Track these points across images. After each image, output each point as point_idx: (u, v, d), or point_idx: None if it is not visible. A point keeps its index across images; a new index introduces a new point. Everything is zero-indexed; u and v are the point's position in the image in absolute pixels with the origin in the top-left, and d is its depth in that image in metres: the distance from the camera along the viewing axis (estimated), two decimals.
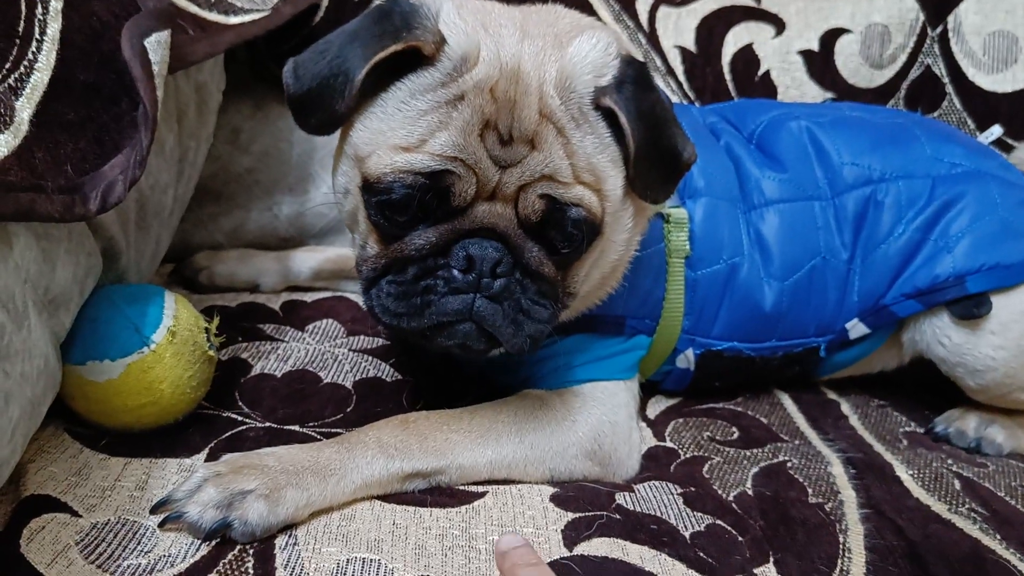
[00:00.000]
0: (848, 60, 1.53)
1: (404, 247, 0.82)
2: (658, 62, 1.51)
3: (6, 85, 0.72)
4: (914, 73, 1.56)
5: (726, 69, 1.53)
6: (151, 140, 0.82)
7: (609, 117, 0.83)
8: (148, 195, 0.98)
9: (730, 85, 1.52)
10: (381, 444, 0.85)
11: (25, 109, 0.72)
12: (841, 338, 1.14)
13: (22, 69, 0.74)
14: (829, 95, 1.54)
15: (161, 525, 0.75)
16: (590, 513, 0.86)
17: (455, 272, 0.81)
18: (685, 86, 1.52)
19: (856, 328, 1.13)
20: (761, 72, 1.53)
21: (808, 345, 1.14)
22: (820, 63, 1.54)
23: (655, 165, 0.85)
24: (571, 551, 0.80)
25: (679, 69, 1.52)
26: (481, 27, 0.83)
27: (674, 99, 1.47)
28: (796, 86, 1.54)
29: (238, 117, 1.40)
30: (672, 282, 1.06)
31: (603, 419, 0.97)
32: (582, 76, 0.82)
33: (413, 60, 0.80)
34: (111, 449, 0.85)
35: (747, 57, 1.53)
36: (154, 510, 0.77)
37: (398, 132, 0.80)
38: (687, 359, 1.11)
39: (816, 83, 1.54)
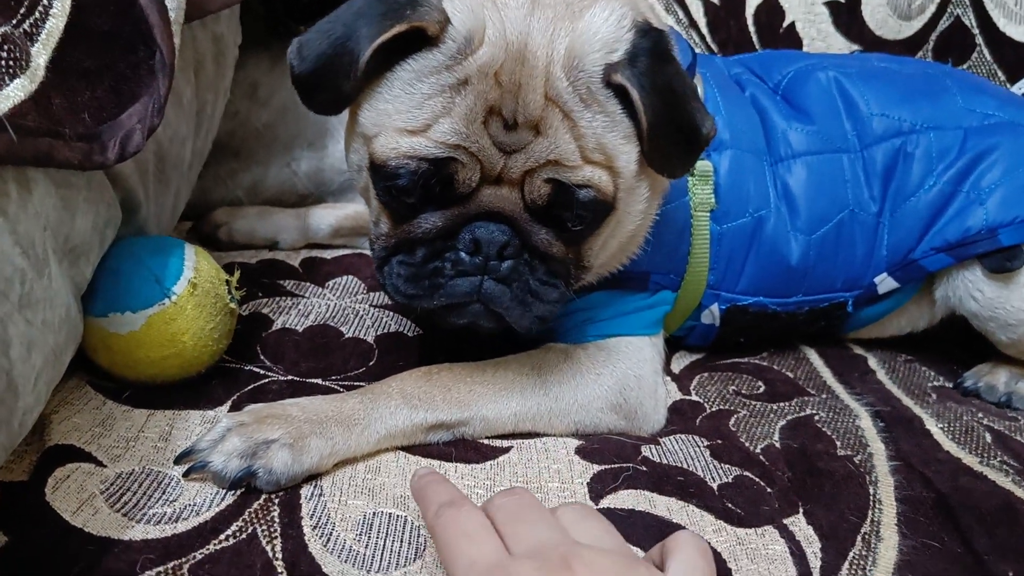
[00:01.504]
0: (875, 11, 1.50)
1: (413, 229, 0.82)
2: (680, 14, 1.49)
3: (21, 30, 0.70)
4: (943, 24, 1.53)
5: (750, 21, 1.50)
6: (169, 88, 0.81)
7: (622, 93, 0.80)
8: (167, 147, 0.97)
9: (754, 37, 1.50)
10: (404, 395, 0.85)
11: (41, 55, 0.71)
12: (869, 293, 1.12)
13: (37, 14, 0.73)
14: (856, 47, 1.51)
15: (186, 475, 0.75)
16: (616, 465, 0.85)
17: (463, 255, 0.81)
18: (708, 38, 1.50)
19: (885, 283, 1.11)
20: (786, 24, 1.50)
21: (835, 300, 1.12)
22: (846, 14, 1.51)
23: (672, 140, 0.82)
24: (597, 504, 0.79)
25: (702, 22, 1.49)
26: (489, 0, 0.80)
27: (697, 51, 1.44)
28: (822, 38, 1.51)
29: (256, 71, 1.38)
30: (697, 236, 1.04)
31: (628, 373, 0.96)
32: (591, 54, 0.79)
33: (420, 38, 0.78)
34: (134, 401, 0.85)
35: (771, 8, 1.50)
36: (178, 460, 0.76)
37: (404, 115, 0.79)
38: (712, 314, 1.10)
39: (842, 35, 1.51)
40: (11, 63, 0.66)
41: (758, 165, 1.08)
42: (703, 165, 1.04)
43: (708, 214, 1.04)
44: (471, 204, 0.80)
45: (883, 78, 1.14)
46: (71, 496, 0.70)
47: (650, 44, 0.80)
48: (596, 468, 0.84)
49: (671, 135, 0.81)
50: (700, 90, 1.06)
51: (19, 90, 0.65)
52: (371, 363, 0.99)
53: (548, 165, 0.79)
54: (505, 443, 0.88)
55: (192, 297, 0.87)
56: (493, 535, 0.63)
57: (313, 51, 0.79)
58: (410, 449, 0.85)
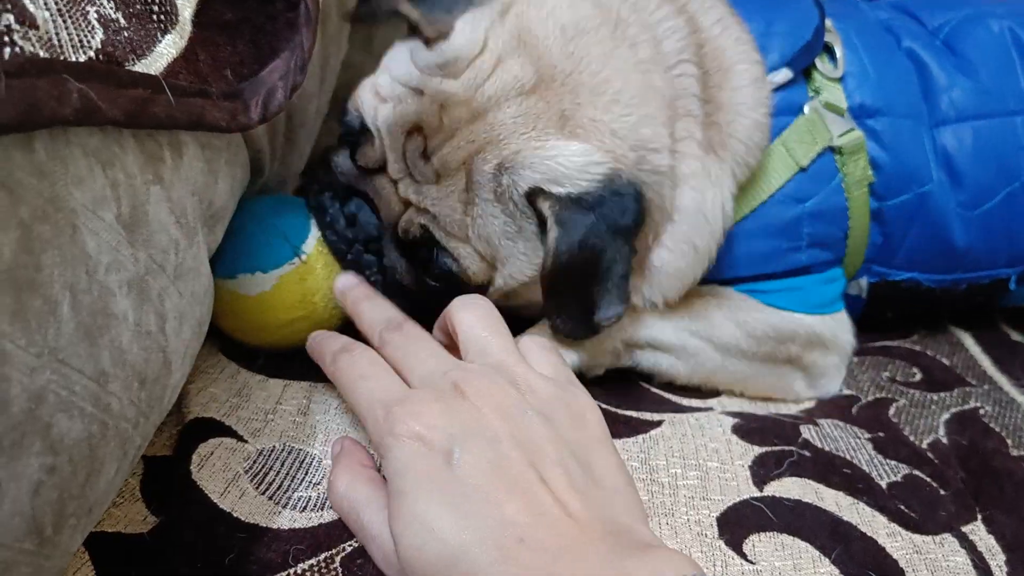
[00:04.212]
0: None
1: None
2: None
3: None
4: None
5: None
6: (313, 43, 0.75)
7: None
8: (295, 105, 0.92)
9: None
10: None
11: (186, 8, 0.66)
12: None
13: None
14: None
15: None
16: (778, 448, 0.79)
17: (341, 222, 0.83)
18: None
19: None
20: None
21: (996, 276, 1.03)
22: None
23: (569, 302, 0.79)
24: (761, 491, 0.74)
25: None
26: (518, 46, 0.76)
27: None
28: None
29: None
30: (855, 215, 0.96)
31: (798, 331, 0.92)
32: (525, 171, 0.73)
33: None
34: (268, 370, 0.81)
35: None
36: None
37: (380, 78, 0.81)
38: (859, 287, 1.03)
39: None
40: (162, 17, 0.61)
41: (916, 131, 0.98)
42: (852, 137, 0.95)
43: (867, 189, 0.96)
44: (363, 180, 0.81)
45: None
46: (217, 475, 0.67)
47: (604, 206, 0.73)
48: (757, 450, 0.79)
49: (569, 296, 0.78)
50: (838, 51, 0.97)
51: (171, 47, 0.61)
52: None
53: (428, 213, 0.77)
54: (656, 416, 0.83)
55: (321, 255, 0.83)
56: (388, 371, 0.66)
57: None
58: None
